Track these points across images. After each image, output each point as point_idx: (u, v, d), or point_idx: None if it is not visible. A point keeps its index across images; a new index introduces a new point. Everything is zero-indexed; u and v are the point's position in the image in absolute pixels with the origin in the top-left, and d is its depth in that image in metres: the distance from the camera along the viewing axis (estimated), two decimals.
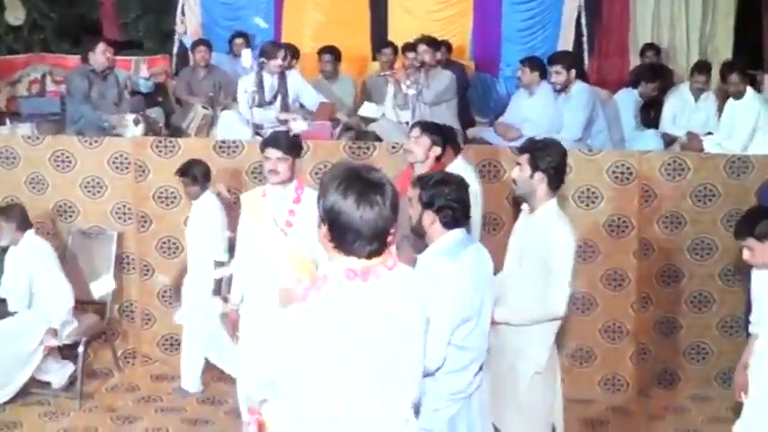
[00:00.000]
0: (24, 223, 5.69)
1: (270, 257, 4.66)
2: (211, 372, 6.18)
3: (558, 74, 6.46)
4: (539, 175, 3.96)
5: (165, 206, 6.12)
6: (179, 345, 6.24)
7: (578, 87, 6.51)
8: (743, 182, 5.90)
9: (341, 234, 2.39)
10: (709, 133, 6.87)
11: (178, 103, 8.15)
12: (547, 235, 3.90)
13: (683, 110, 7.45)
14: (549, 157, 3.97)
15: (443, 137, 4.92)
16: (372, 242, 2.39)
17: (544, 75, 6.98)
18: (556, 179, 4.00)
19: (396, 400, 2.46)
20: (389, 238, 2.46)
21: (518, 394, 3.97)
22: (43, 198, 6.18)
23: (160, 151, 6.11)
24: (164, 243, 6.17)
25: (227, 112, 6.96)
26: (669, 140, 7.06)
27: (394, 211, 2.42)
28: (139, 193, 6.14)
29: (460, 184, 3.48)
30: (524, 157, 4.02)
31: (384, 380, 2.40)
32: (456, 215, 3.39)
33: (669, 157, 6.02)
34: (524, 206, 4.18)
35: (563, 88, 6.50)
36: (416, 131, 4.92)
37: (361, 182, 2.39)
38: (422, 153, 4.83)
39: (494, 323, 3.66)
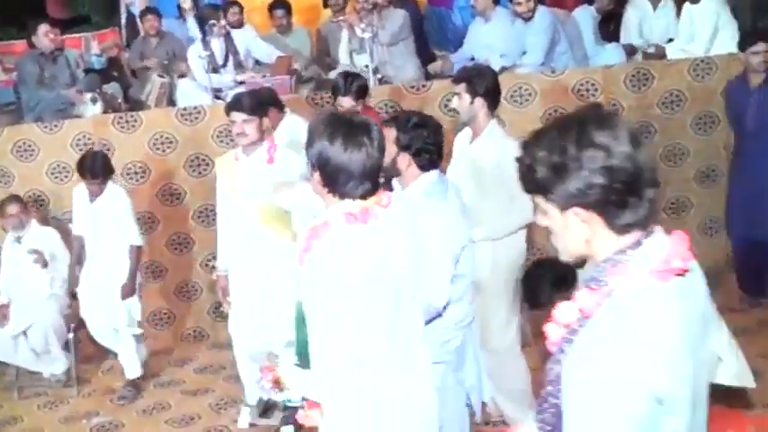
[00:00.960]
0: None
1: (250, 220, 4.65)
2: (205, 340, 6.23)
3: (521, 4, 6.39)
4: (479, 101, 4.14)
5: (134, 182, 6.05)
6: (169, 319, 6.30)
7: (540, 11, 6.47)
8: (707, 83, 5.94)
9: (333, 177, 2.44)
10: (671, 40, 6.84)
11: (133, 75, 8.01)
12: (499, 152, 4.00)
13: (644, 19, 7.37)
14: (484, 82, 4.16)
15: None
16: (364, 182, 2.46)
17: (498, 0, 6.91)
18: (494, 101, 4.20)
19: (410, 333, 2.56)
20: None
21: (501, 304, 4.14)
22: (11, 191, 6.04)
23: (122, 127, 6.03)
24: (138, 220, 6.06)
25: (184, 80, 6.87)
26: (630, 51, 7.03)
27: (381, 150, 2.50)
28: None
29: (437, 128, 3.47)
30: (462, 86, 4.19)
31: (396, 315, 2.50)
32: (433, 158, 3.39)
33: (633, 68, 6.03)
34: (466, 130, 4.31)
35: (530, 17, 6.43)
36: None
37: (346, 125, 2.46)
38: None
39: None
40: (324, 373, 2.49)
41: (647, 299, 1.58)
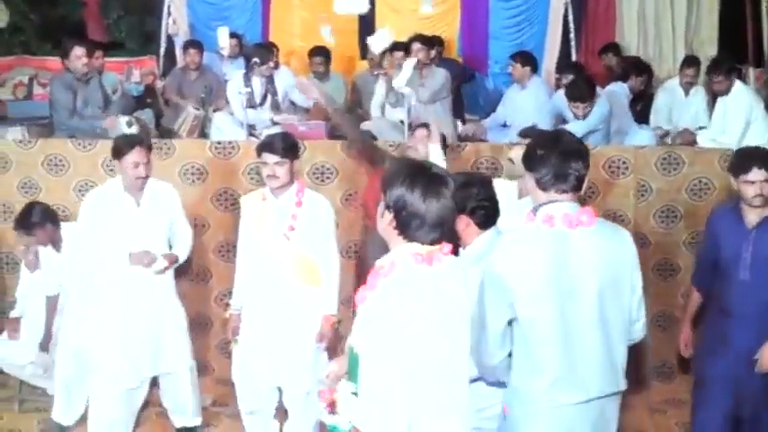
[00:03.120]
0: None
1: (273, 262, 4.66)
2: (210, 374, 6.17)
3: (578, 108, 6.47)
4: None
5: None
6: None
7: (600, 101, 6.53)
8: None
9: (406, 222, 2.57)
10: (702, 127, 6.93)
11: (166, 104, 8.09)
12: None
13: (674, 104, 7.51)
14: None
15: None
16: (435, 230, 2.58)
17: (535, 69, 7.04)
18: None
19: (462, 376, 2.66)
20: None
21: None
22: None
23: (155, 154, 5.98)
24: None
25: (220, 113, 6.92)
26: (661, 135, 7.11)
27: (454, 202, 2.64)
28: None
29: (486, 182, 3.56)
30: (527, 142, 4.28)
31: (452, 356, 2.59)
32: (489, 213, 3.47)
33: (664, 151, 6.07)
34: (513, 184, 4.50)
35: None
36: (424, 131, 5.10)
37: (425, 176, 2.57)
38: (424, 151, 4.92)
39: None
40: (375, 406, 2.51)
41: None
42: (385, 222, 2.61)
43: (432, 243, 2.59)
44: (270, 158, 4.55)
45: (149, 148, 4.86)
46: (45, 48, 10.09)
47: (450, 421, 2.59)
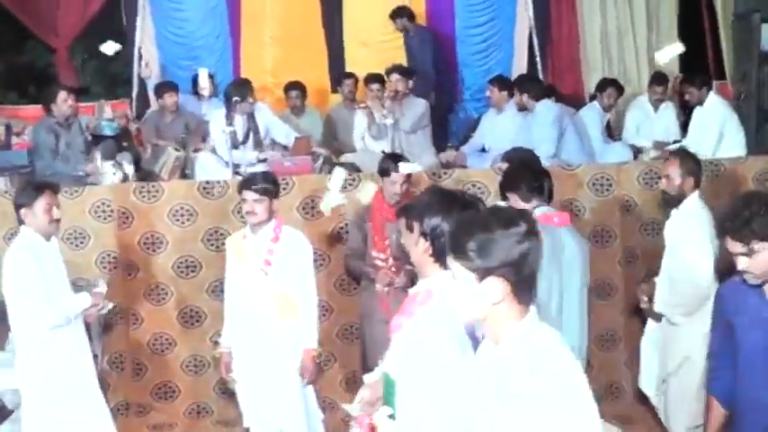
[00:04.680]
0: None
1: (252, 298, 4.71)
2: (209, 416, 6.14)
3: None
4: None
5: (151, 252, 6.04)
6: (173, 393, 6.21)
7: (544, 105, 6.67)
8: (716, 185, 6.11)
9: (445, 250, 2.51)
10: (676, 141, 7.10)
11: (141, 146, 8.05)
12: None
13: (645, 120, 7.68)
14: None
15: None
16: None
17: (512, 93, 7.16)
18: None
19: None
20: None
21: None
22: None
23: (143, 196, 6.04)
24: (152, 290, 6.10)
25: (204, 153, 6.91)
26: (635, 151, 7.26)
27: None
28: (124, 241, 6.04)
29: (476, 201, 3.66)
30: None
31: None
32: None
33: (645, 166, 6.22)
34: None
35: (521, 109, 6.77)
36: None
37: (460, 203, 2.63)
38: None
39: None
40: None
41: None
42: (420, 251, 2.65)
43: None
44: (249, 195, 4.63)
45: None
46: (11, 96, 10.03)
47: None
